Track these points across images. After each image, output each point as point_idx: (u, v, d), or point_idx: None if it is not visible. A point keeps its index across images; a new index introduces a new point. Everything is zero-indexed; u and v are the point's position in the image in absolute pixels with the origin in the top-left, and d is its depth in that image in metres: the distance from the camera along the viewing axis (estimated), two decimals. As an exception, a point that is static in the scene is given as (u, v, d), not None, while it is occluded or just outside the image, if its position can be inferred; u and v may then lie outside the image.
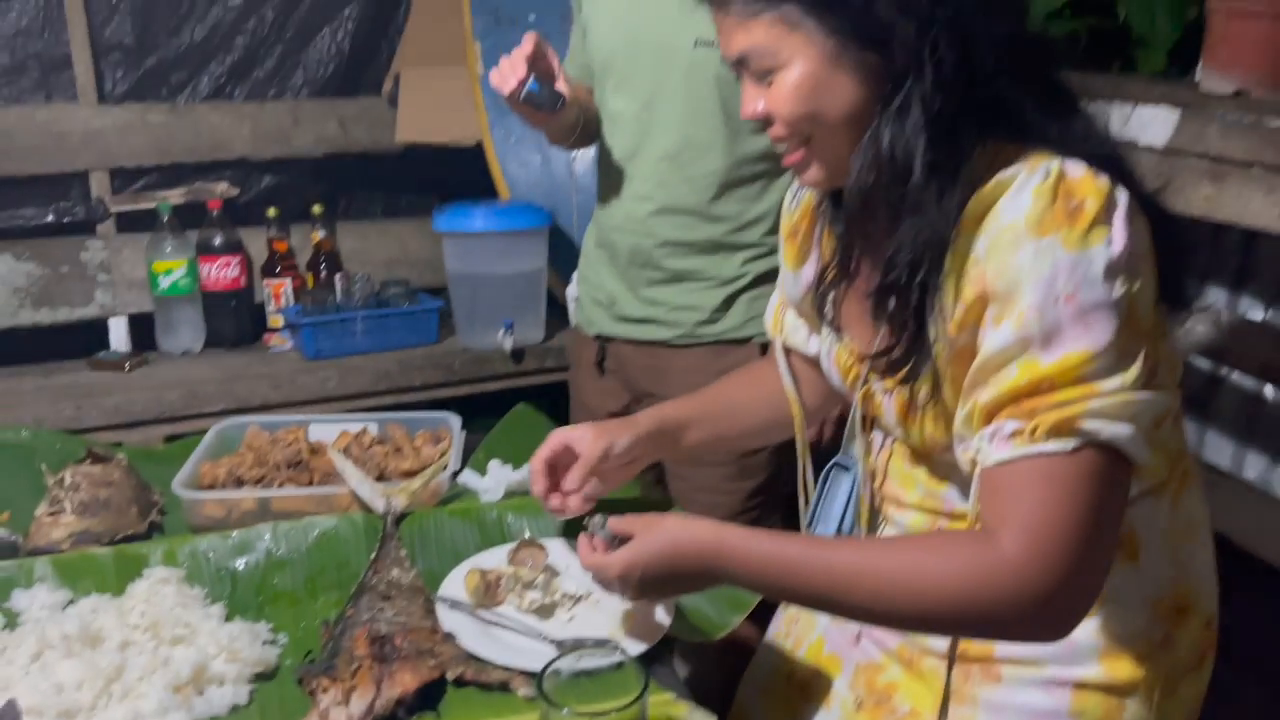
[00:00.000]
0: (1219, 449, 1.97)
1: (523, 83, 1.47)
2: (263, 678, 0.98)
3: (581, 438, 1.11)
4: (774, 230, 1.62)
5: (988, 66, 0.87)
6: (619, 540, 0.96)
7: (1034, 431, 0.84)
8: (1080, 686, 1.01)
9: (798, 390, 1.22)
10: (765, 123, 0.96)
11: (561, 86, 1.51)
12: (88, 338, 2.42)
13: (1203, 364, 1.96)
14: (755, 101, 0.95)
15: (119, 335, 2.46)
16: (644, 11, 1.56)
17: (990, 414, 0.87)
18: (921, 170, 0.87)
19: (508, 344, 2.39)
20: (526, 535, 1.15)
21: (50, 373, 2.30)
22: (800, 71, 0.90)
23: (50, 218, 2.46)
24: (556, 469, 1.12)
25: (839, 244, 1.05)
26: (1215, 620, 1.09)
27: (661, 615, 1.06)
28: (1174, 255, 0.94)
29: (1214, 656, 1.10)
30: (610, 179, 1.67)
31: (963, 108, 0.87)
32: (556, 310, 2.32)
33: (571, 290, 1.91)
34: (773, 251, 1.64)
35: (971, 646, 1.05)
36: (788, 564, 0.91)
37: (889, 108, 0.88)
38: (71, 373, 2.30)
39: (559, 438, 1.10)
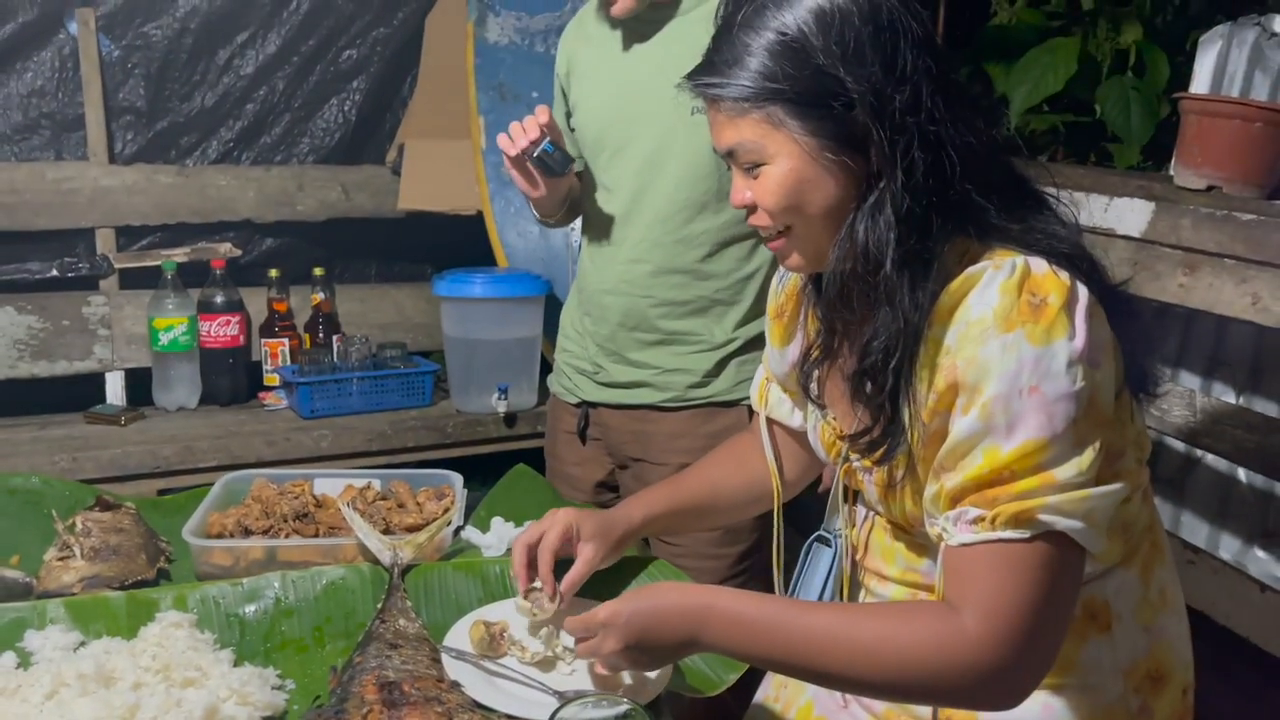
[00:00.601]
0: (1195, 529, 2.03)
1: (535, 143, 1.55)
2: (271, 722, 1.00)
3: (588, 542, 1.19)
4: (763, 291, 1.69)
5: (956, 171, 0.94)
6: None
7: (994, 519, 0.90)
8: (1062, 756, 1.04)
9: (779, 462, 1.28)
10: (749, 210, 1.03)
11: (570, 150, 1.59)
12: (84, 391, 2.45)
13: (1178, 446, 2.02)
14: (743, 192, 1.02)
15: (115, 390, 2.49)
16: (640, 86, 1.63)
17: (955, 499, 0.93)
18: (893, 263, 0.94)
19: (501, 408, 2.43)
20: (537, 583, 1.18)
21: (46, 424, 2.32)
22: (784, 167, 0.97)
23: (54, 272, 2.50)
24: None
25: (822, 325, 1.10)
26: (1192, 689, 1.13)
27: (661, 672, 1.08)
28: (1140, 343, 1.01)
29: (1192, 726, 1.13)
30: (601, 245, 1.72)
31: (932, 207, 0.94)
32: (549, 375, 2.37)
33: None
34: (762, 315, 1.71)
35: (956, 715, 1.08)
36: (767, 626, 0.95)
37: (864, 204, 0.95)
38: (67, 425, 2.32)
39: (564, 526, 1.19)
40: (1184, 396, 1.82)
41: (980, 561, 0.91)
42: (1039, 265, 0.93)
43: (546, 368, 2.49)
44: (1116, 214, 1.76)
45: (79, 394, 2.44)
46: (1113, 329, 0.96)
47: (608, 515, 1.24)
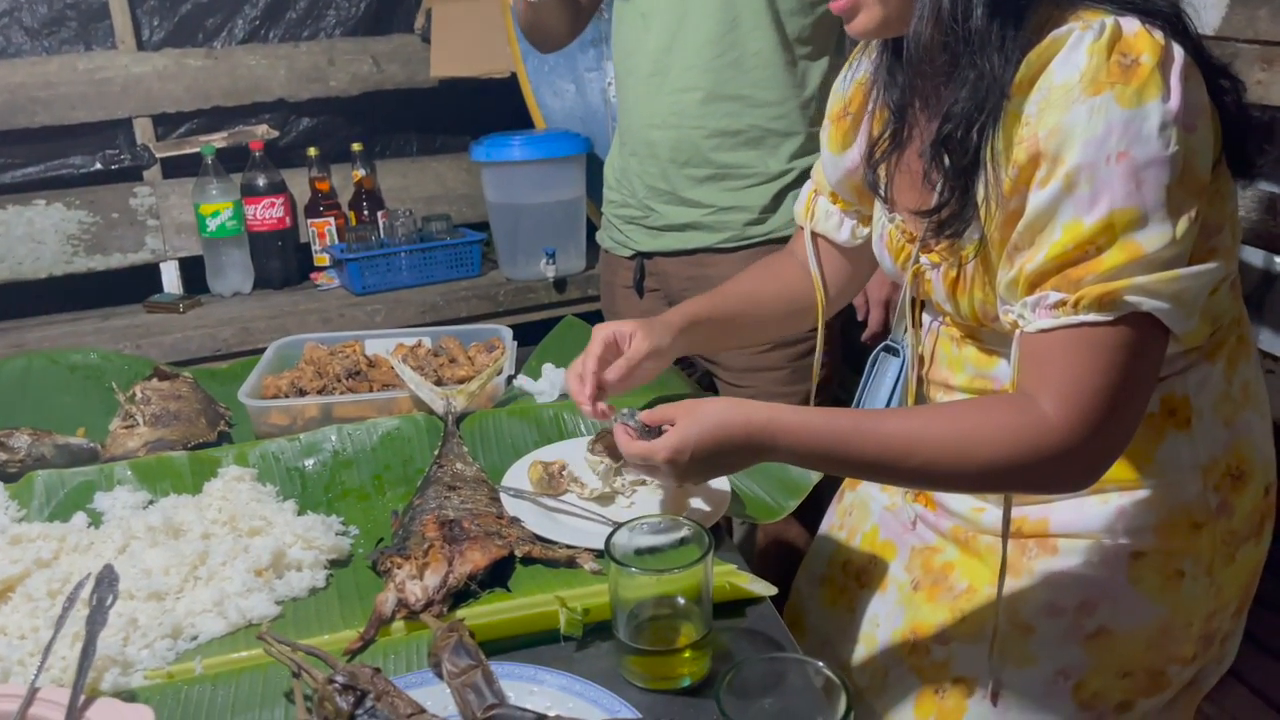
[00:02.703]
0: (1275, 341, 1.95)
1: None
2: (337, 564, 1.02)
3: (628, 334, 1.11)
4: (818, 119, 1.62)
5: None
6: (653, 430, 0.96)
7: (1077, 303, 0.85)
8: (1137, 556, 1.02)
9: (822, 278, 1.23)
10: None
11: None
12: (142, 282, 2.48)
13: (1255, 258, 1.93)
14: None
15: (171, 279, 2.51)
16: None
17: (1034, 283, 0.88)
18: (985, 11, 0.87)
19: (550, 273, 2.41)
20: (603, 426, 1.16)
21: (108, 316, 2.36)
22: None
23: (98, 165, 2.50)
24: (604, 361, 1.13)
25: (893, 110, 1.05)
26: (1275, 488, 1.09)
27: (720, 495, 1.08)
28: (1237, 119, 0.93)
29: (1273, 525, 1.10)
30: (644, 79, 1.64)
31: None
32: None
33: None
34: (818, 148, 1.64)
35: (1026, 523, 1.06)
36: (840, 436, 0.92)
37: None
38: (128, 315, 2.35)
39: (606, 333, 1.11)
40: (1263, 201, 1.72)
41: (1060, 346, 0.87)
42: (1130, 24, 0.85)
43: (593, 229, 2.46)
44: (1189, 10, 1.64)
45: (136, 285, 2.46)
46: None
47: (647, 318, 1.19)
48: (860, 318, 1.74)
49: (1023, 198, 0.89)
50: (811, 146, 1.63)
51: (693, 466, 0.95)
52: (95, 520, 1.07)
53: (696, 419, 0.94)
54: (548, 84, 2.51)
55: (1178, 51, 0.86)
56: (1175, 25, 0.88)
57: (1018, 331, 0.91)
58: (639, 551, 0.90)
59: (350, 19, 2.67)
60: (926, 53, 0.92)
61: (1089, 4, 0.88)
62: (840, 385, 1.76)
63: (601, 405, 1.09)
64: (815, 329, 1.24)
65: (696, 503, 1.07)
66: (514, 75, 2.51)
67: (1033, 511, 1.06)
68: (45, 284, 2.41)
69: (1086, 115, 0.84)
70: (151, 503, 1.10)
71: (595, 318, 2.16)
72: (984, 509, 1.09)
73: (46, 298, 2.42)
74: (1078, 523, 1.04)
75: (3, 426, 1.22)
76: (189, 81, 2.51)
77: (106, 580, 0.81)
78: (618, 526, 0.85)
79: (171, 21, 2.53)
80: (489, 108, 2.67)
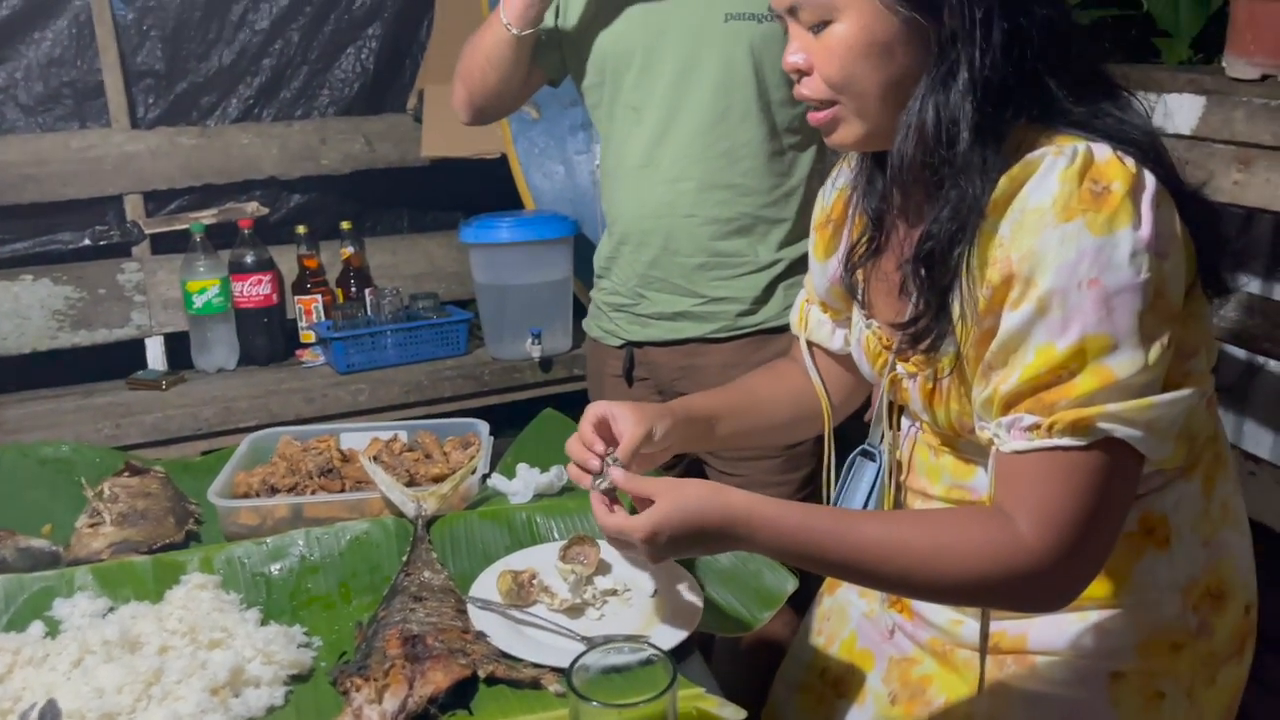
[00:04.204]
0: (1257, 438, 1.94)
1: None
2: (298, 680, 0.99)
3: (622, 417, 1.06)
4: (804, 208, 1.63)
5: (1034, 45, 0.88)
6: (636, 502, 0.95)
7: (1050, 427, 0.86)
8: (1116, 676, 1.01)
9: (824, 386, 1.23)
10: (798, 76, 0.96)
11: None
12: (125, 357, 2.47)
13: (1238, 353, 1.93)
14: (797, 54, 0.95)
15: (155, 354, 2.51)
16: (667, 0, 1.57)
17: (1009, 403, 0.89)
18: (969, 137, 0.88)
19: (536, 353, 2.40)
20: (573, 534, 1.14)
21: (90, 393, 2.34)
22: (855, 25, 0.90)
23: (87, 241, 2.51)
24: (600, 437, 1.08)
25: (870, 219, 1.05)
26: (1255, 607, 1.08)
27: (692, 610, 1.06)
28: (1212, 242, 0.94)
29: (1254, 644, 1.08)
30: (635, 170, 1.65)
31: (1008, 81, 0.88)
32: (583, 319, 2.34)
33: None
34: (802, 237, 1.65)
35: (1004, 638, 1.05)
36: (817, 535, 0.92)
37: (934, 74, 0.89)
38: (110, 392, 2.34)
39: (602, 408, 1.08)
40: (1243, 299, 1.73)
41: (1034, 468, 0.87)
42: (1102, 151, 0.86)
43: (580, 310, 2.46)
44: (1166, 111, 1.66)
45: (121, 361, 2.46)
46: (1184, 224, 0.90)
47: (641, 403, 1.15)
48: None
49: (997, 317, 0.89)
50: (797, 235, 1.66)
51: (668, 547, 0.94)
52: (53, 629, 1.04)
53: (676, 501, 0.94)
54: (537, 165, 2.54)
55: (1149, 179, 0.86)
56: (1148, 153, 0.89)
57: (993, 449, 0.91)
58: (605, 671, 0.88)
59: (344, 99, 2.71)
60: (909, 171, 0.93)
61: (1062, 129, 0.89)
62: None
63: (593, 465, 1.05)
64: (818, 435, 1.23)
65: (669, 617, 1.05)
66: (504, 156, 2.54)
67: (1011, 627, 1.05)
68: (28, 359, 2.40)
69: (1058, 241, 0.84)
70: (111, 609, 1.07)
71: (580, 399, 2.16)
72: (962, 621, 1.07)
73: (30, 372, 2.41)
74: (1057, 640, 1.03)
75: (-35, 525, 1.20)
76: (181, 159, 2.53)
77: (49, 715, 0.78)
78: (581, 654, 0.83)
79: (167, 100, 2.57)
80: (479, 187, 2.70)
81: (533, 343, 2.40)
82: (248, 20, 2.58)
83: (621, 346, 1.76)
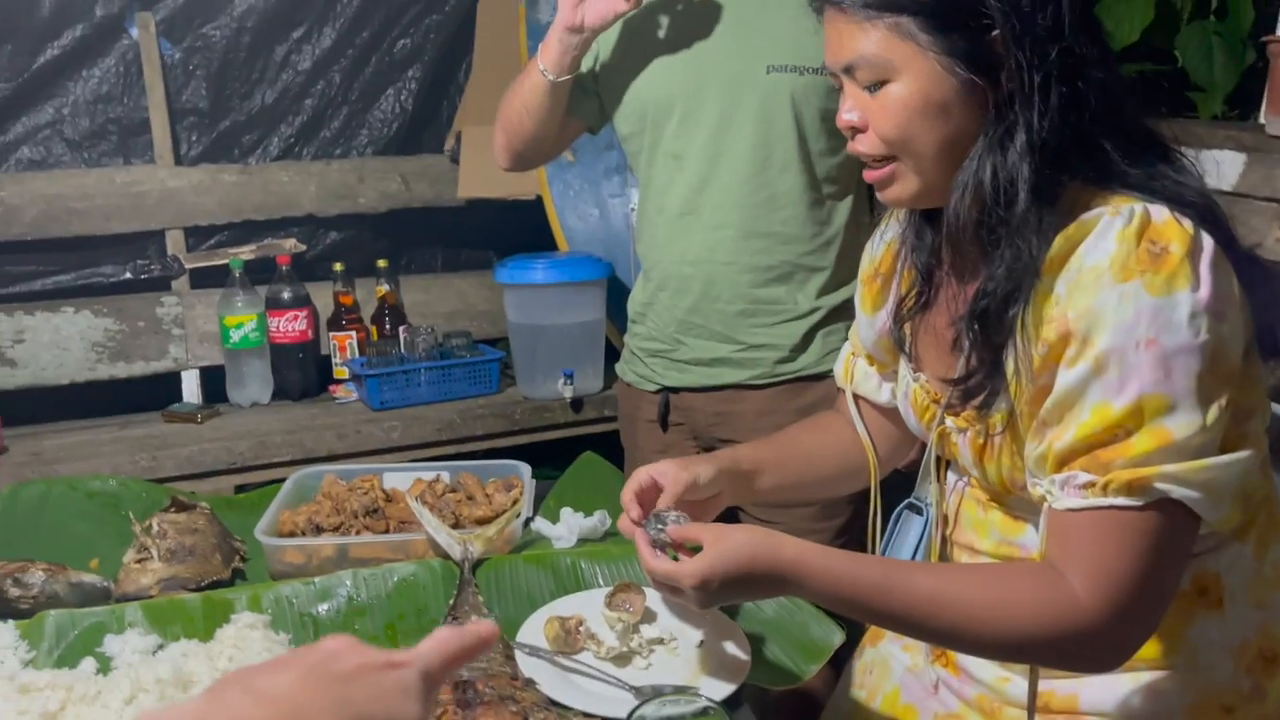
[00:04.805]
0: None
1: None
2: (347, 723, 0.99)
3: (665, 471, 1.07)
4: (843, 255, 1.64)
5: (1091, 108, 0.89)
6: (684, 551, 0.96)
7: (1106, 486, 0.86)
8: (1167, 741, 0.99)
9: (870, 439, 1.23)
10: (852, 133, 0.97)
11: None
12: (161, 390, 2.49)
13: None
14: (852, 112, 0.96)
15: (191, 388, 2.53)
16: (709, 49, 1.59)
17: (1063, 460, 0.89)
18: (1026, 197, 0.89)
19: (568, 393, 2.41)
20: (618, 581, 1.14)
21: (126, 425, 2.36)
22: (911, 87, 0.91)
23: (128, 275, 2.54)
24: (642, 504, 1.08)
25: (920, 272, 1.06)
26: (1310, 671, 1.06)
27: (739, 662, 1.05)
28: (1267, 303, 0.95)
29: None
30: (675, 218, 1.66)
31: (1065, 142, 0.89)
32: (614, 360, 2.35)
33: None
34: (842, 284, 1.66)
35: (1054, 698, 1.03)
36: (867, 586, 0.92)
37: (990, 135, 0.90)
38: (146, 425, 2.36)
39: (644, 473, 1.08)
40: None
41: (1089, 527, 0.87)
42: (1160, 213, 0.87)
43: (611, 351, 2.48)
44: (1205, 167, 1.67)
45: (156, 393, 2.48)
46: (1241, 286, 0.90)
47: (681, 457, 1.15)
48: None
49: (1052, 374, 0.89)
50: (836, 283, 1.67)
51: (718, 594, 0.95)
52: (104, 665, 1.05)
53: (726, 549, 0.94)
54: (572, 207, 2.56)
55: (1207, 241, 0.87)
56: (1204, 215, 0.89)
57: (1046, 505, 0.91)
58: (657, 721, 0.88)
59: (382, 138, 2.75)
60: (963, 230, 0.94)
61: (1118, 190, 0.90)
62: (864, 526, 1.74)
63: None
64: (864, 489, 1.23)
65: (716, 668, 1.05)
66: (539, 197, 2.56)
67: (1061, 686, 1.04)
68: (66, 390, 2.43)
69: (1116, 300, 0.85)
70: (161, 646, 1.08)
71: (610, 439, 2.17)
72: (1010, 679, 1.06)
73: (66, 404, 2.44)
74: (1108, 701, 1.01)
75: (19, 557, 1.22)
76: (222, 195, 2.57)
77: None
78: (636, 706, 0.83)
79: (210, 137, 2.61)
80: (513, 227, 2.72)
81: (564, 383, 2.41)
82: (290, 61, 2.63)
83: (657, 391, 1.77)
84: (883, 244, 1.17)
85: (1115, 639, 0.89)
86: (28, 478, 2.01)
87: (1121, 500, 0.85)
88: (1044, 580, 0.89)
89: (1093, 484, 0.86)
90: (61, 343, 2.41)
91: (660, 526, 0.99)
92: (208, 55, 2.56)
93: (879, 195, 1.01)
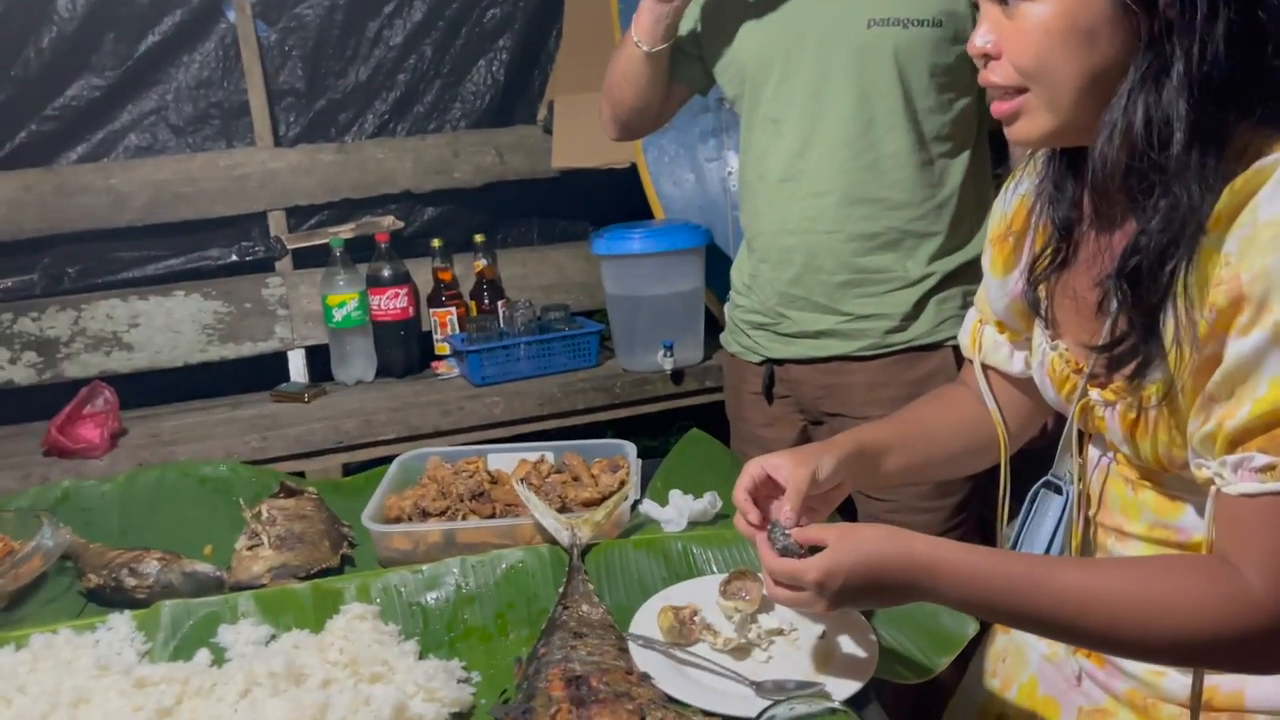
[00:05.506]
0: None
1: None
2: (459, 718, 0.97)
3: (781, 465, 1.01)
4: (958, 219, 1.54)
5: (1268, 38, 0.79)
6: (807, 550, 0.89)
7: None
8: (1344, 738, 0.90)
9: (1000, 413, 1.14)
10: (984, 61, 0.89)
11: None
12: (268, 370, 2.53)
13: None
14: (987, 35, 0.88)
15: (298, 367, 2.56)
16: (806, 5, 1.52)
17: (1236, 441, 0.80)
18: (1184, 139, 0.79)
19: (668, 365, 2.36)
20: (733, 568, 1.09)
21: (238, 405, 2.41)
22: (1053, 8, 0.83)
23: (234, 257, 2.59)
24: (756, 502, 1.02)
25: (1057, 227, 0.97)
26: None
27: (866, 656, 0.99)
28: None
29: None
30: (775, 184, 1.59)
31: (1232, 77, 0.79)
32: (714, 330, 2.29)
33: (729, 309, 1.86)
34: (957, 249, 1.56)
35: (1217, 695, 0.95)
36: (1010, 584, 0.85)
37: (1144, 70, 0.81)
38: (256, 405, 2.40)
39: (756, 467, 1.02)
40: None
41: (1267, 514, 0.78)
42: None
43: (710, 321, 2.42)
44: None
45: (265, 373, 2.52)
46: None
47: (798, 448, 1.07)
48: None
49: (1221, 343, 0.80)
50: (951, 247, 1.57)
51: (842, 594, 0.88)
52: (218, 656, 1.05)
53: (853, 545, 0.88)
54: (668, 174, 2.50)
55: None
56: None
57: (1213, 489, 0.82)
58: (781, 722, 0.82)
59: (475, 112, 2.72)
60: (1111, 177, 0.84)
61: None
62: (984, 503, 1.65)
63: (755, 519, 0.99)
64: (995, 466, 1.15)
65: (842, 661, 0.99)
66: (634, 165, 2.51)
67: (1225, 682, 0.95)
68: (179, 371, 2.49)
69: None
70: (273, 637, 1.07)
71: (712, 411, 2.12)
72: (1164, 674, 0.98)
73: (179, 385, 2.50)
74: (1279, 697, 0.92)
75: (135, 545, 1.23)
76: (321, 175, 2.58)
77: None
78: (766, 709, 0.78)
79: (306, 118, 2.62)
80: (609, 196, 2.67)
81: (664, 354, 2.36)
82: (383, 37, 2.62)
83: (761, 363, 1.70)
84: (1016, 198, 1.07)
85: None
86: (147, 459, 2.06)
87: None
88: (1214, 574, 0.81)
89: (1272, 467, 0.78)
90: (174, 326, 2.47)
91: (786, 531, 0.92)
92: (302, 35, 2.56)
93: (1006, 131, 0.92)
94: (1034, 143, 0.92)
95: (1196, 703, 0.93)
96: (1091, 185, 0.88)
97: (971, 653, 1.23)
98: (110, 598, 1.17)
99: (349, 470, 2.20)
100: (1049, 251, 0.99)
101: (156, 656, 1.05)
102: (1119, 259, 0.87)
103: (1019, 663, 1.15)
